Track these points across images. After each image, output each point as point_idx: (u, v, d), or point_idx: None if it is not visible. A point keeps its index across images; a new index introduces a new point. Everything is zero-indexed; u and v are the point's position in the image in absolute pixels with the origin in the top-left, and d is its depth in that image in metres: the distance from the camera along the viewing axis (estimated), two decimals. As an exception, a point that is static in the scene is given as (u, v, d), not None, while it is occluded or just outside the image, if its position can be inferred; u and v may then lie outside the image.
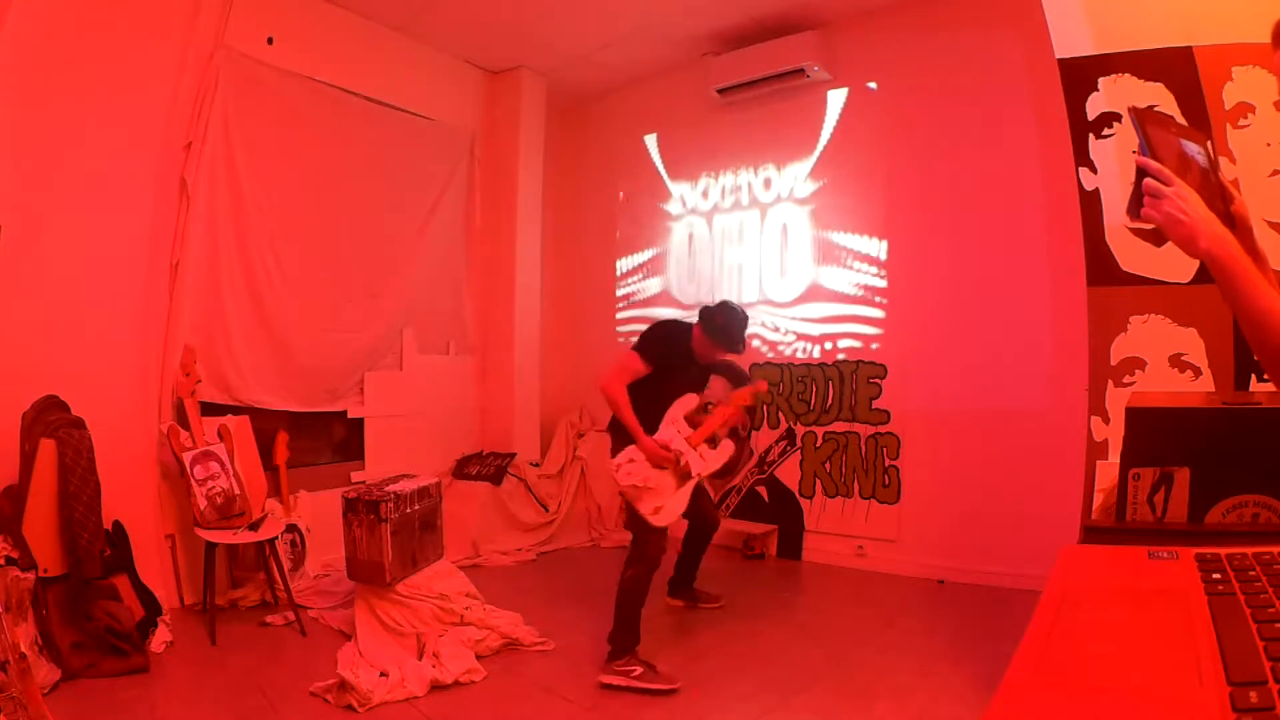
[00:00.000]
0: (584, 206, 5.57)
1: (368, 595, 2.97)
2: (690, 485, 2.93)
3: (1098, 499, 1.73)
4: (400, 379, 4.50)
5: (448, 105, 4.75)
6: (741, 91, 4.52)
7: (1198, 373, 2.26)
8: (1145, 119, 0.95)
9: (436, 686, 2.62)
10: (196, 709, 2.51)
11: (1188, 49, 2.25)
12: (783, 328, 4.53)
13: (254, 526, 3.21)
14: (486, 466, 4.61)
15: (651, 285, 5.20)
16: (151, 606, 2.97)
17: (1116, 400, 2.35)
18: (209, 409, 3.45)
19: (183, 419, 3.27)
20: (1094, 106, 2.41)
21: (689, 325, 3.05)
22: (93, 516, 2.74)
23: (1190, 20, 2.25)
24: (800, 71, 4.26)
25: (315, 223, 4.02)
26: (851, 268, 4.27)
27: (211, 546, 3.14)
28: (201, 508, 3.11)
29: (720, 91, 4.59)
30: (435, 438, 4.63)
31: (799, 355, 4.46)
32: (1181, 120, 2.18)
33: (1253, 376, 2.14)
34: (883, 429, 4.14)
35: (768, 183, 4.64)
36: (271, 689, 2.60)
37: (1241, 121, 2.18)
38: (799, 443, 4.43)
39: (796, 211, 4.51)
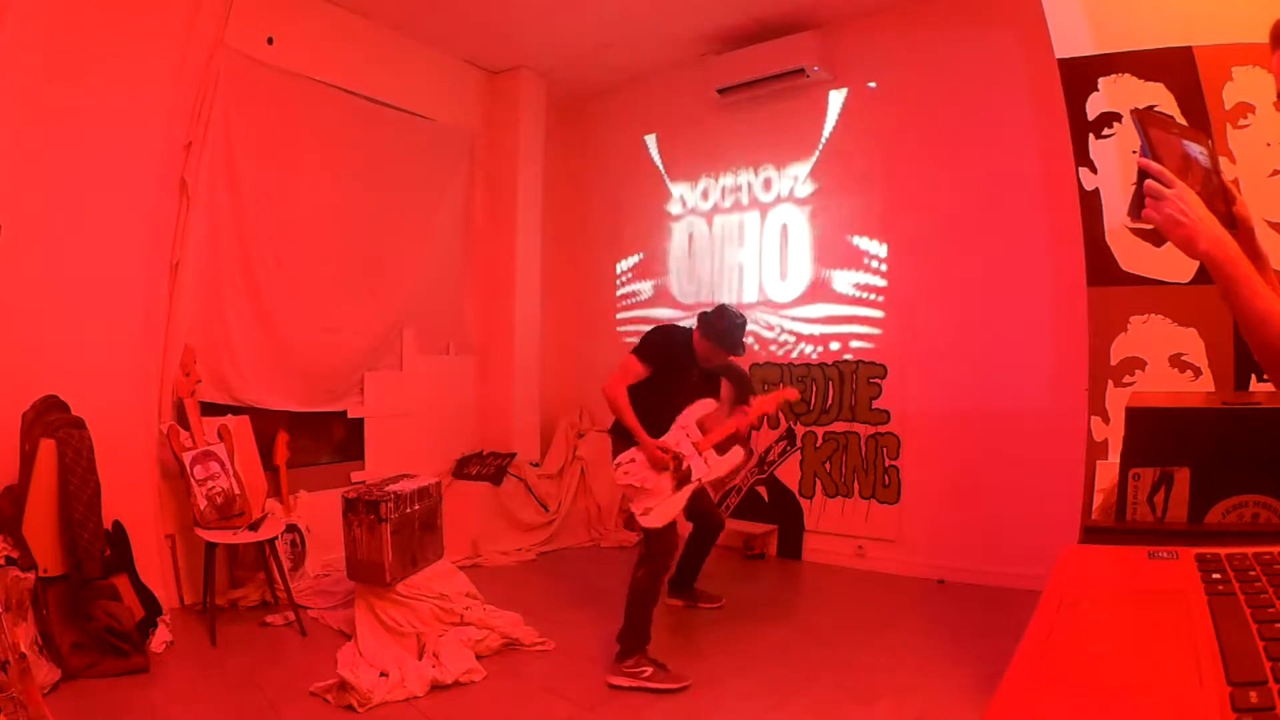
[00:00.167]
0: (584, 206, 5.57)
1: (368, 595, 2.97)
2: (688, 490, 2.92)
3: (1098, 499, 1.73)
4: (400, 379, 4.50)
5: (448, 105, 4.75)
6: (741, 91, 4.52)
7: (1198, 373, 2.26)
8: (1147, 120, 0.95)
9: (436, 686, 2.62)
10: (196, 709, 2.52)
11: (1188, 49, 2.25)
12: (783, 328, 4.53)
13: (254, 526, 3.21)
14: (486, 466, 4.61)
15: (651, 286, 5.21)
16: (151, 606, 2.97)
17: (1116, 400, 2.35)
18: (209, 409, 3.45)
19: (183, 419, 3.27)
20: (1094, 106, 2.41)
21: (688, 330, 3.05)
22: (93, 516, 2.74)
23: (1190, 20, 2.25)
24: (800, 71, 4.26)
25: (315, 223, 4.02)
26: (851, 268, 4.28)
27: (211, 546, 3.14)
28: (201, 508, 3.11)
29: (720, 91, 4.59)
30: (435, 438, 4.63)
31: (798, 355, 4.47)
32: (1183, 121, 2.18)
33: (1253, 376, 2.14)
34: (883, 429, 4.14)
35: (768, 183, 4.64)
36: (271, 689, 2.60)
37: (1241, 121, 2.18)
38: (799, 443, 4.44)
39: (796, 212, 4.51)
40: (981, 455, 3.78)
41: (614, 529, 4.84)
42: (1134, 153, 0.94)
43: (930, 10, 3.97)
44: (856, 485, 4.22)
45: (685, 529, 3.24)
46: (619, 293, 5.38)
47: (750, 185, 4.73)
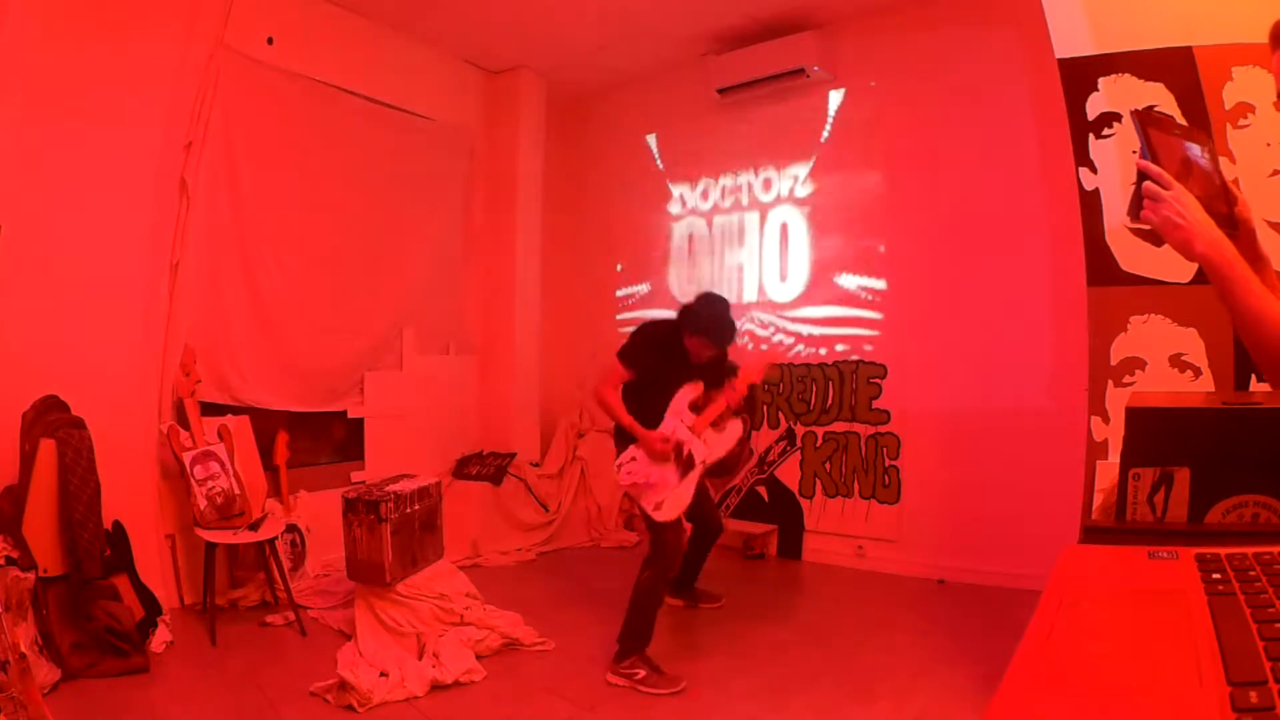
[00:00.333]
0: (584, 206, 5.56)
1: (368, 595, 2.97)
2: (695, 475, 2.90)
3: (1098, 499, 1.73)
4: (400, 379, 4.50)
5: (448, 105, 4.75)
6: (741, 91, 4.52)
7: (1198, 373, 2.26)
8: (1147, 121, 0.95)
9: (436, 686, 2.62)
10: (196, 709, 2.52)
11: (1188, 49, 2.25)
12: (783, 328, 4.53)
13: (254, 526, 3.21)
14: (486, 466, 4.61)
15: (651, 286, 5.20)
16: (151, 606, 2.97)
17: (1116, 400, 2.35)
18: (209, 409, 3.45)
19: (183, 419, 3.27)
20: (1094, 106, 2.41)
21: (673, 322, 2.99)
22: (93, 516, 2.74)
23: (1190, 20, 2.25)
24: (800, 71, 4.26)
25: (315, 222, 4.02)
26: (851, 268, 4.27)
27: (211, 546, 3.14)
28: (201, 508, 3.11)
29: (720, 91, 4.58)
30: (435, 438, 4.63)
31: (795, 355, 4.46)
32: (1183, 121, 2.18)
33: (1253, 376, 2.14)
34: (883, 429, 4.14)
35: (767, 183, 4.64)
36: (271, 689, 2.60)
37: (1241, 121, 2.18)
38: (799, 443, 4.43)
39: (796, 212, 4.51)
40: (981, 455, 3.78)
41: (614, 529, 4.84)
42: (1134, 153, 0.94)
43: (930, 10, 3.97)
44: (856, 485, 4.22)
45: (685, 530, 3.23)
46: (619, 293, 5.38)
47: (750, 185, 4.72)
